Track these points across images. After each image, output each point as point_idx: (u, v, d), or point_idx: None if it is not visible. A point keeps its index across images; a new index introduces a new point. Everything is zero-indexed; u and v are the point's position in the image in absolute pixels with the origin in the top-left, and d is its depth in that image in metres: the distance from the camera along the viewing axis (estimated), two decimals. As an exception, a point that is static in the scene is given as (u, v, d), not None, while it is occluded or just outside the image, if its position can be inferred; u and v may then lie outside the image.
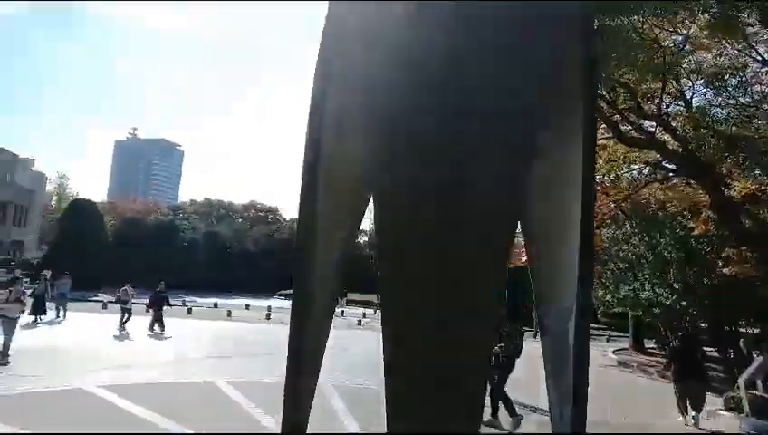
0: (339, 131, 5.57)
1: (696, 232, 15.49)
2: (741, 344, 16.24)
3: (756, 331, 19.89)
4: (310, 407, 2.51)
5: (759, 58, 14.16)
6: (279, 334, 17.71)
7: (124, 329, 18.39)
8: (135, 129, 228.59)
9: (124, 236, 59.83)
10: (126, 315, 18.90)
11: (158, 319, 19.05)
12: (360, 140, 5.01)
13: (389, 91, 4.70)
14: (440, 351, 2.31)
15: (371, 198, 2.91)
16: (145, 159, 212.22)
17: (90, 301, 32.38)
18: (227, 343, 17.50)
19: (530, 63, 4.01)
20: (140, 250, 57.12)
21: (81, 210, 54.41)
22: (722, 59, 13.02)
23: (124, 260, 54.60)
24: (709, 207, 13.21)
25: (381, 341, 2.35)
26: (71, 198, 65.98)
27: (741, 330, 20.61)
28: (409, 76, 4.48)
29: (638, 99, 13.14)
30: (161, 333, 18.49)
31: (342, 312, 36.00)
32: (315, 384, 2.57)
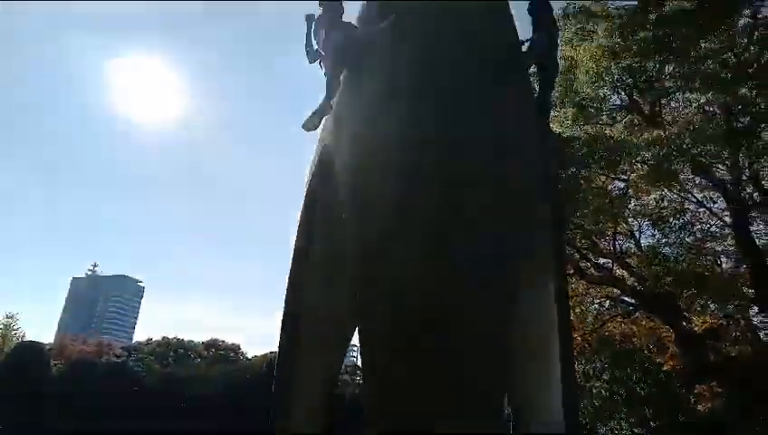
0: (323, 273, 5.75)
1: (665, 367, 15.64)
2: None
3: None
4: None
5: (695, 200, 15.67)
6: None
7: None
8: (95, 265, 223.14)
9: (71, 379, 55.30)
10: None
11: None
12: (345, 281, 5.21)
13: (378, 236, 5.01)
14: None
15: (354, 333, 3.03)
16: (102, 296, 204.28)
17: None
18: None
19: (507, 220, 4.45)
20: (88, 395, 52.56)
21: (26, 353, 50.91)
22: (663, 202, 14.35)
23: (69, 407, 50.01)
24: (674, 341, 13.57)
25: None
26: (17, 340, 61.71)
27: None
28: (400, 224, 4.84)
29: (594, 238, 14.08)
30: None
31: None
32: None
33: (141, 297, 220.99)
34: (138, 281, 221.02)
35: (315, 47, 6.08)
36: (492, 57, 5.48)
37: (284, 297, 5.27)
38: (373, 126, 5.25)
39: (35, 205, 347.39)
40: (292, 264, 5.37)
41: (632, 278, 13.70)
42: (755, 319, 16.46)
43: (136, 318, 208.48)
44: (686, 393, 17.10)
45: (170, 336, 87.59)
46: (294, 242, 5.65)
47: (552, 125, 10.51)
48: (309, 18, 6.13)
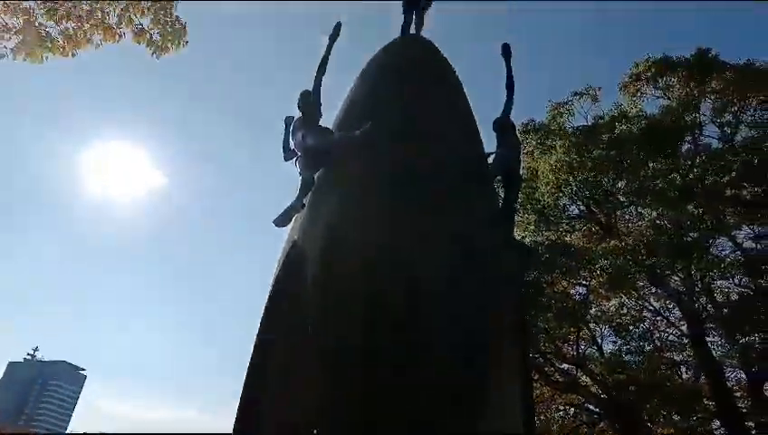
0: (282, 378, 5.59)
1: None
2: None
3: None
4: None
5: (652, 308, 16.11)
6: None
7: None
8: (36, 349, 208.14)
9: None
10: None
11: None
12: (304, 387, 5.07)
13: (343, 337, 4.99)
14: None
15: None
16: (40, 383, 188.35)
17: None
18: None
19: (473, 329, 4.55)
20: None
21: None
22: (623, 310, 14.74)
23: None
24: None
25: None
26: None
27: None
28: (366, 327, 4.83)
29: (557, 343, 14.16)
30: None
31: None
32: None
33: (82, 385, 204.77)
34: (80, 369, 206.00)
35: (292, 147, 6.38)
36: (460, 169, 5.85)
37: (242, 390, 5.11)
38: (344, 227, 5.42)
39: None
40: (253, 355, 5.27)
41: (595, 386, 13.65)
42: (717, 432, 16.38)
43: (73, 407, 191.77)
44: None
45: (109, 431, 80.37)
46: (256, 334, 5.55)
47: (515, 229, 10.98)
48: (287, 120, 6.50)
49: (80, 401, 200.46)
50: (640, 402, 12.91)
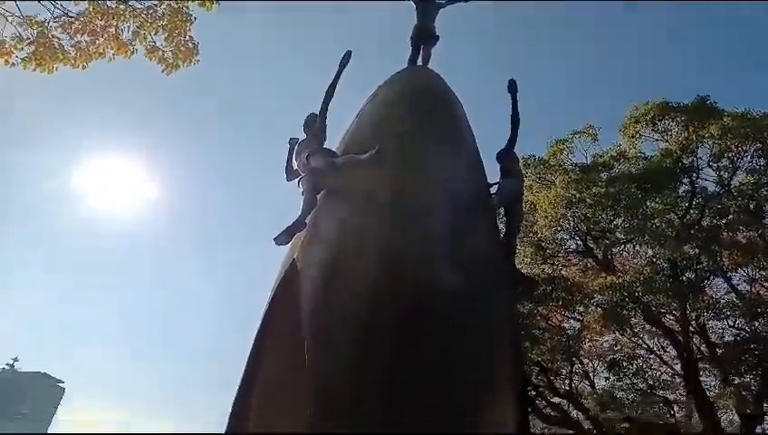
0: (269, 394, 5.50)
1: None
2: None
3: None
4: None
5: (646, 347, 16.08)
6: None
7: None
8: (16, 359, 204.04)
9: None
10: None
11: None
12: (291, 396, 4.99)
13: (338, 359, 4.94)
14: None
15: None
16: (17, 395, 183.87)
17: None
18: None
19: (472, 357, 4.52)
20: None
21: None
22: (617, 346, 14.73)
23: None
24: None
25: None
26: None
27: None
28: (362, 348, 4.80)
29: (550, 377, 14.07)
30: None
31: None
32: None
33: (60, 398, 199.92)
34: (59, 381, 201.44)
35: (295, 167, 6.45)
36: (464, 197, 5.90)
37: (231, 407, 5.09)
38: (345, 247, 5.45)
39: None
40: (245, 370, 5.24)
41: (588, 421, 13.51)
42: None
43: (50, 421, 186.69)
44: None
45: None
46: (250, 350, 5.52)
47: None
48: (292, 141, 6.59)
49: (56, 416, 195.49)
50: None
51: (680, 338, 13.11)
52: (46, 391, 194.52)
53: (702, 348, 14.36)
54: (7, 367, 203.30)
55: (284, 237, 5.80)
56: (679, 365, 15.93)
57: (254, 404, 4.99)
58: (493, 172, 6.74)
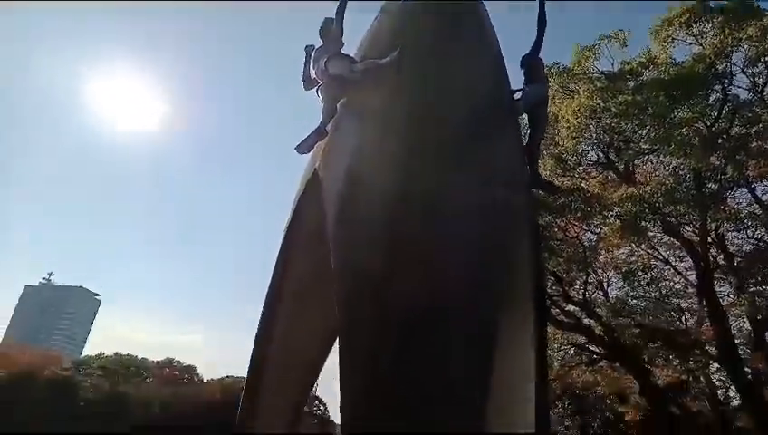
0: (301, 292, 5.67)
1: (627, 417, 15.89)
2: None
3: None
4: None
5: (661, 258, 16.26)
6: None
7: None
8: (51, 274, 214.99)
9: (10, 393, 52.22)
10: None
11: None
12: (320, 302, 5.18)
13: (362, 264, 5.04)
14: None
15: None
16: (56, 306, 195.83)
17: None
18: None
19: (493, 257, 4.57)
20: (28, 411, 49.69)
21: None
22: (633, 258, 14.91)
23: (6, 424, 47.15)
24: (640, 392, 13.85)
25: None
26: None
27: None
28: (387, 251, 4.90)
29: (565, 287, 14.43)
30: None
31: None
32: None
33: (96, 310, 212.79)
34: (95, 294, 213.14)
35: (312, 76, 6.27)
36: (487, 103, 5.74)
37: (260, 316, 5.26)
38: (367, 154, 5.40)
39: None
40: (272, 281, 5.38)
41: (600, 328, 14.01)
42: (714, 377, 16.96)
43: (88, 332, 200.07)
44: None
45: (123, 353, 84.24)
46: (276, 261, 5.67)
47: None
48: (308, 48, 6.34)
49: (94, 326, 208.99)
50: (642, 345, 13.30)
51: (698, 248, 13.16)
52: (84, 302, 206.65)
53: (719, 258, 14.45)
54: (44, 281, 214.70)
55: (305, 146, 5.76)
56: (693, 276, 16.18)
57: (281, 312, 5.17)
58: (517, 79, 6.48)
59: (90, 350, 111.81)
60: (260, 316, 5.37)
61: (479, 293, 4.74)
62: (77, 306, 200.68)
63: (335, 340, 5.06)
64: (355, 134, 5.62)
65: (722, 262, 13.56)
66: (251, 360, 4.96)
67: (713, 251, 13.71)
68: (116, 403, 60.17)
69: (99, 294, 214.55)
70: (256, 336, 5.25)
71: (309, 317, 5.42)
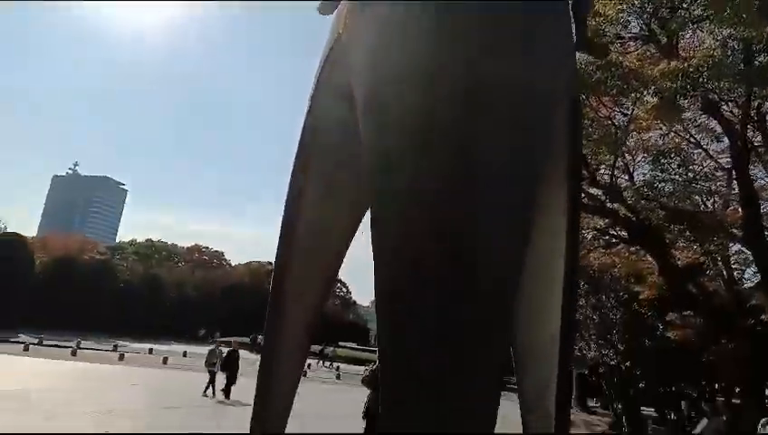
0: (326, 183, 5.58)
1: (642, 296, 16.42)
2: (683, 407, 16.93)
3: (694, 394, 20.82)
4: None
5: (692, 141, 15.70)
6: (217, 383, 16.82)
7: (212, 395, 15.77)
8: (76, 164, 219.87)
9: (54, 274, 56.05)
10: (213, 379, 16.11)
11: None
12: (348, 192, 5.05)
13: (395, 145, 4.83)
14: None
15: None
16: (84, 197, 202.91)
17: (9, 342, 29.70)
18: (171, 394, 16.35)
19: (530, 134, 4.28)
20: (71, 291, 53.57)
21: (7, 245, 50.85)
22: (665, 139, 14.37)
23: (53, 301, 51.07)
24: (659, 273, 14.12)
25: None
26: (-2, 232, 61.56)
27: (682, 392, 21.55)
28: (420, 134, 4.67)
29: (591, 169, 14.15)
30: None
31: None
32: None
33: (124, 200, 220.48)
34: (120, 184, 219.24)
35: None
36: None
37: (285, 205, 5.20)
38: (396, 24, 4.95)
39: (12, 95, 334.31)
40: (294, 171, 5.25)
41: (624, 210, 13.93)
42: (732, 258, 17.21)
43: (118, 221, 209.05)
44: (657, 321, 18.17)
45: (154, 239, 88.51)
46: (297, 149, 5.49)
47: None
48: None
49: (124, 215, 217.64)
50: (666, 227, 13.32)
51: (737, 127, 12.55)
52: (111, 193, 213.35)
53: (755, 140, 13.87)
54: (70, 171, 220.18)
55: (329, 5, 5.30)
56: (725, 159, 15.69)
57: (309, 192, 5.06)
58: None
59: (122, 238, 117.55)
60: (287, 194, 5.31)
61: (516, 169, 4.57)
62: (105, 197, 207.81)
63: (363, 216, 4.94)
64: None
65: (758, 143, 12.99)
66: (281, 234, 4.96)
67: (751, 132, 13.08)
68: (152, 285, 64.59)
69: (124, 184, 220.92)
70: (284, 215, 5.21)
71: (338, 193, 5.30)
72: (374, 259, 2.85)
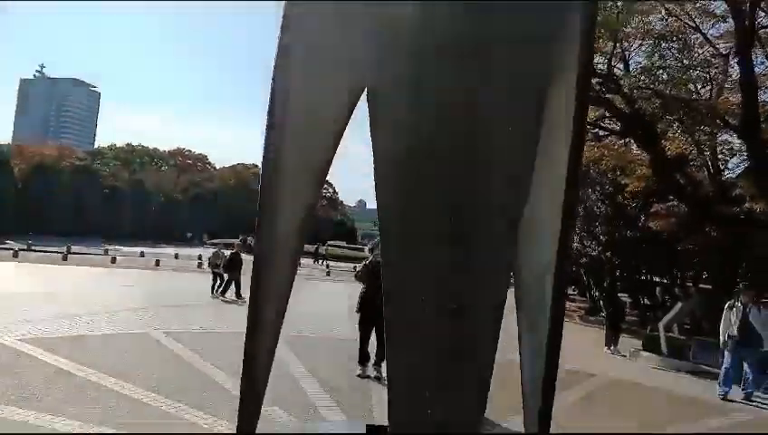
0: (310, 78, 5.08)
1: (629, 188, 16.57)
2: (657, 293, 17.84)
3: (668, 281, 21.91)
4: (270, 365, 2.46)
5: (692, 25, 14.94)
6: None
7: (222, 296, 15.95)
8: (42, 66, 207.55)
9: (34, 181, 55.02)
10: (219, 281, 16.26)
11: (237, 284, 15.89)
12: (342, 81, 4.62)
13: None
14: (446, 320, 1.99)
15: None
16: (56, 101, 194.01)
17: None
18: (170, 294, 16.68)
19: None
20: (53, 197, 52.97)
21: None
22: (667, 21, 13.59)
23: (35, 208, 50.61)
24: (649, 164, 14.10)
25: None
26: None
27: (656, 279, 22.66)
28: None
29: (588, 58, 13.43)
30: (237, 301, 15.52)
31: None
32: (275, 343, 2.48)
33: (98, 104, 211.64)
34: (92, 86, 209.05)
35: None
36: None
37: (270, 91, 4.81)
38: None
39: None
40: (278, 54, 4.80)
41: (619, 99, 13.51)
42: (719, 148, 17.23)
43: (95, 126, 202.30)
44: (639, 213, 18.58)
45: (134, 144, 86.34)
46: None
47: None
48: None
49: (100, 120, 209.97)
50: (659, 115, 13.09)
51: (743, 7, 11.80)
52: (83, 97, 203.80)
53: (759, 23, 13.19)
54: (37, 74, 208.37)
55: None
56: (722, 45, 15.07)
57: (294, 70, 4.63)
58: None
59: (100, 144, 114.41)
60: (272, 76, 4.92)
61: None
62: (77, 101, 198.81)
63: (357, 101, 4.54)
64: None
65: (766, 23, 12.22)
66: (268, 125, 4.63)
67: (761, 13, 12.31)
68: (137, 189, 64.01)
69: (95, 86, 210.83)
70: (270, 100, 4.84)
71: (328, 74, 4.84)
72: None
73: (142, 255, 33.94)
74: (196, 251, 37.61)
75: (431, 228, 1.74)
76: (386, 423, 1.99)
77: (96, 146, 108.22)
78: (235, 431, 2.46)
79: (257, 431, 2.47)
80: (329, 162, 2.82)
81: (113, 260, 27.39)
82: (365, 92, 2.33)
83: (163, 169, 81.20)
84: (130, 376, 6.54)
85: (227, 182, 74.23)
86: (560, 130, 3.71)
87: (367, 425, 3.15)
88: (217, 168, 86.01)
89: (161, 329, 10.04)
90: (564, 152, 2.53)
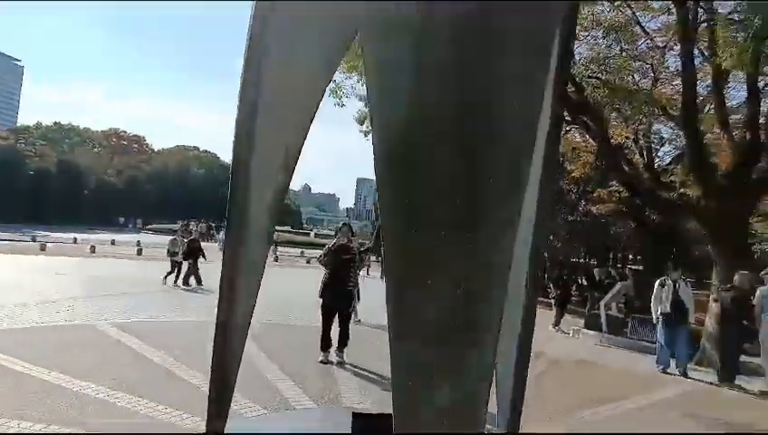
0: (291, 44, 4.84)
1: (574, 174, 17.21)
2: (595, 273, 18.72)
3: (608, 263, 23.11)
4: (241, 350, 2.39)
5: (635, 19, 15.51)
6: (157, 271, 16.49)
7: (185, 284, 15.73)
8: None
9: (-51, 161, 50.52)
10: (176, 269, 15.98)
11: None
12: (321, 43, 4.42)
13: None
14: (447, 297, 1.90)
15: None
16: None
17: None
18: (112, 282, 15.77)
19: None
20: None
21: None
22: (615, 13, 14.00)
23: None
24: (596, 152, 14.64)
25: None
26: None
27: (593, 262, 23.83)
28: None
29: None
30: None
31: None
32: (246, 330, 2.39)
33: (21, 78, 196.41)
34: (15, 60, 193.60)
35: None
36: None
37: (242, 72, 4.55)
38: None
39: None
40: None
41: (570, 86, 13.84)
42: (653, 137, 18.25)
43: (18, 102, 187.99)
44: (579, 199, 19.43)
45: (63, 122, 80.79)
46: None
47: None
48: None
49: (23, 96, 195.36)
50: (605, 103, 13.60)
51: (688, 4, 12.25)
52: (5, 69, 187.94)
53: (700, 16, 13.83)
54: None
55: None
56: (659, 38, 15.76)
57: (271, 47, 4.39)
58: None
59: (23, 120, 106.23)
60: (245, 54, 4.67)
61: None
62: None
63: (333, 72, 4.37)
64: None
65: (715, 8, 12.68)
66: (240, 104, 4.41)
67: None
68: (67, 171, 60.02)
69: (19, 60, 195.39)
70: (243, 77, 4.60)
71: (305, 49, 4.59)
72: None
73: (75, 241, 32.04)
74: (133, 237, 35.89)
75: (437, 208, 1.64)
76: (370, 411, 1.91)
77: (19, 123, 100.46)
78: (204, 431, 2.38)
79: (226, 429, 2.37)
80: (302, 141, 2.66)
81: (42, 247, 25.65)
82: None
83: (96, 150, 76.64)
84: (76, 371, 6.08)
85: (166, 165, 71.12)
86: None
87: (353, 413, 3.11)
88: (155, 149, 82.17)
89: (109, 320, 9.46)
90: (541, 143, 2.49)
